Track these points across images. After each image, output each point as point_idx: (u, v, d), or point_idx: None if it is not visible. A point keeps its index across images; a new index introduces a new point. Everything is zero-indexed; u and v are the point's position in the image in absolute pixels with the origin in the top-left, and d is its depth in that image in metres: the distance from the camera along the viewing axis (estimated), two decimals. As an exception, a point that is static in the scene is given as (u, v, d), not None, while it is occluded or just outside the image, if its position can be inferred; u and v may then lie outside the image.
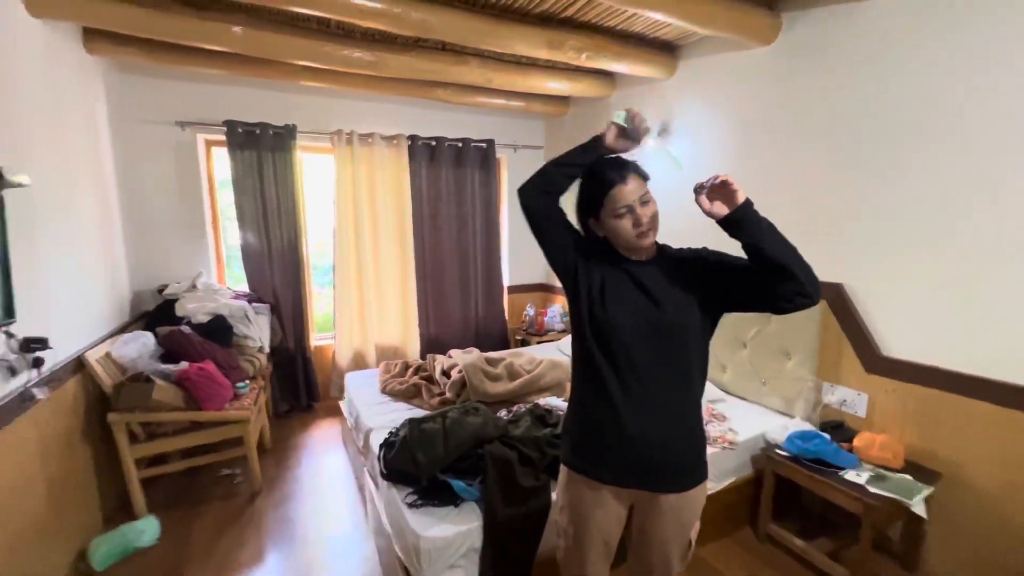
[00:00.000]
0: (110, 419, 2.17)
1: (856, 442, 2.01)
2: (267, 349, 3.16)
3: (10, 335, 1.67)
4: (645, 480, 1.18)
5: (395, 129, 3.73)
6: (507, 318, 4.42)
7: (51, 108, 2.16)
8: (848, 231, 2.18)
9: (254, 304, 3.20)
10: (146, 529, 2.16)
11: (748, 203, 1.07)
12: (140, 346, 2.44)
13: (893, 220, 2.02)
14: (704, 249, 1.24)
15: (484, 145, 4.05)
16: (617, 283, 1.19)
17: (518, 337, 4.29)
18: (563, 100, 3.98)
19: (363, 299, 3.76)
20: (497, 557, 1.62)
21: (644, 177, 1.19)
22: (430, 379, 2.80)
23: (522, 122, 4.32)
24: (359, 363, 3.75)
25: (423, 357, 3.84)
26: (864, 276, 2.14)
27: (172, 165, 3.22)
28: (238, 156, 3.26)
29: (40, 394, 1.79)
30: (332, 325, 3.75)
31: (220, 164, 3.47)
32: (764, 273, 1.07)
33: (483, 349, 3.16)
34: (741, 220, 1.06)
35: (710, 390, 2.54)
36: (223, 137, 3.22)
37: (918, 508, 1.75)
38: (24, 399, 1.72)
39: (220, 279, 3.56)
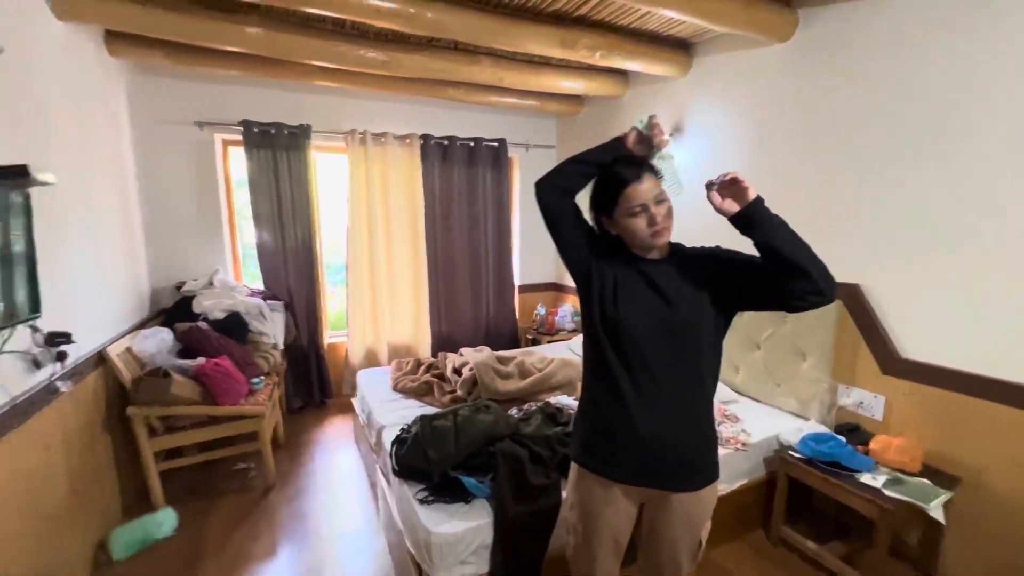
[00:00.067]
0: (129, 412, 2.23)
1: (872, 445, 1.98)
2: (281, 346, 3.21)
3: (35, 329, 1.71)
4: (657, 479, 1.18)
5: (408, 128, 3.76)
6: (518, 317, 4.43)
7: (75, 109, 2.22)
8: (865, 231, 2.15)
9: (269, 302, 3.26)
10: (164, 521, 2.21)
11: (759, 200, 1.07)
12: (159, 341, 2.50)
13: (911, 220, 1.98)
14: (718, 248, 1.24)
15: (496, 144, 4.06)
16: (630, 282, 1.19)
17: (529, 336, 4.30)
18: (576, 99, 3.97)
19: (375, 297, 3.79)
20: (508, 554, 1.63)
21: (659, 176, 1.19)
22: (442, 377, 2.82)
23: (534, 121, 4.32)
24: (371, 360, 3.79)
25: (434, 355, 3.88)
26: (881, 277, 2.10)
27: (190, 164, 3.28)
28: (254, 155, 3.32)
29: (63, 387, 1.83)
30: (345, 323, 3.79)
31: (236, 164, 3.53)
32: (777, 271, 1.07)
33: (494, 348, 3.17)
34: (752, 217, 1.06)
35: (723, 391, 2.52)
36: (240, 137, 3.28)
37: (936, 513, 1.71)
38: (49, 392, 1.77)
39: (236, 277, 3.62)
